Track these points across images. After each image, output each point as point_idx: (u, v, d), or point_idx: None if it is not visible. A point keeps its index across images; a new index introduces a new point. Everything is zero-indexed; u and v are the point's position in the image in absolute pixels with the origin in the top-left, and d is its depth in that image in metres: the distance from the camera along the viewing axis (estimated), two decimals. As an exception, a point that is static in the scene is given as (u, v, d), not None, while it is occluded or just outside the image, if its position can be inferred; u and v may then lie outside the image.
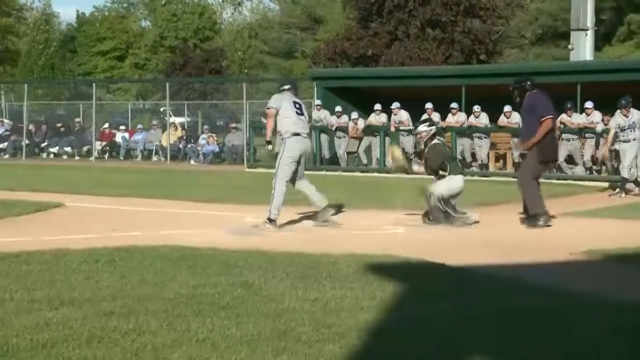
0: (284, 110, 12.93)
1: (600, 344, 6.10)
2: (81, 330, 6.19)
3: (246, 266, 8.79)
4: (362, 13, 42.77)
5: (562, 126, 23.17)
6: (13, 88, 45.47)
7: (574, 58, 34.23)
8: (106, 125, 35.34)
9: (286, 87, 13.48)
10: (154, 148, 33.40)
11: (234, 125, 32.99)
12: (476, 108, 24.71)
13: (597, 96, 22.85)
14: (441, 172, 13.45)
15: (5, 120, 36.95)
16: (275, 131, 13.20)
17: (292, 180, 12.98)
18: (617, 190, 18.99)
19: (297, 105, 13.09)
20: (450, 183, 13.30)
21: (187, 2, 75.76)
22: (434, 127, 14.17)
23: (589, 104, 22.84)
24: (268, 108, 13.25)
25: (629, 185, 19.13)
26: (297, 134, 12.88)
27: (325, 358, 5.66)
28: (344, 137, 26.89)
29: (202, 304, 7.00)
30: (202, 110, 39.97)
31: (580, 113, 23.23)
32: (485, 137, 24.92)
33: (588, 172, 23.21)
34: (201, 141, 32.64)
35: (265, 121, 14.68)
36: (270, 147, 13.86)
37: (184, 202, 16.36)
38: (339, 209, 13.90)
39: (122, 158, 33.34)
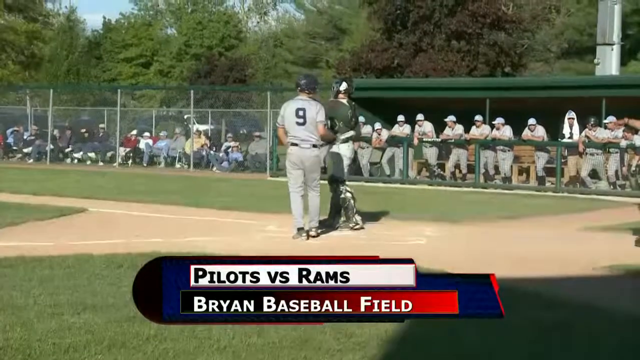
0: (285, 120, 12.68)
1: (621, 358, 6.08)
2: (103, 336, 6.22)
3: (268, 274, 8.79)
4: (387, 24, 42.76)
5: (586, 140, 23.10)
6: (38, 93, 45.69)
7: (599, 72, 34.14)
8: (134, 132, 35.44)
9: (298, 88, 12.96)
10: (178, 155, 33.49)
11: (257, 133, 33.06)
12: (499, 120, 24.64)
13: (623, 111, 22.74)
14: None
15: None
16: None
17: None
18: None
19: (300, 113, 12.52)
20: None
21: (213, 10, 75.97)
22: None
23: (610, 119, 22.74)
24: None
25: None
26: (295, 144, 12.62)
27: (346, 368, 5.67)
28: (367, 147, 26.88)
29: (224, 312, 7.00)
30: (225, 118, 40.03)
31: (605, 128, 23.12)
32: (508, 150, 24.84)
33: (612, 187, 23.08)
34: (225, 148, 32.70)
35: None
36: None
37: (207, 209, 16.40)
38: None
39: (145, 165, 33.42)
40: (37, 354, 5.80)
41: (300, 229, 12.56)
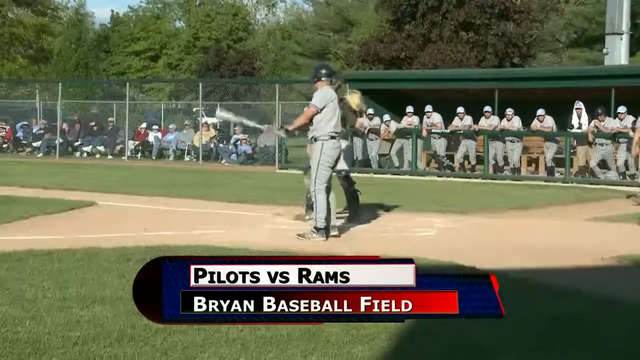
0: (328, 111, 11.69)
1: (632, 348, 6.07)
2: (112, 329, 6.23)
3: (276, 267, 8.78)
4: (396, 15, 42.72)
5: (595, 130, 23.04)
6: (47, 87, 45.75)
7: (608, 62, 34.06)
8: (144, 125, 35.47)
9: (326, 78, 11.88)
10: (186, 148, 33.52)
11: (266, 126, 33.02)
12: (508, 111, 24.59)
13: (632, 101, 22.72)
14: None
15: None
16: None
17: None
18: None
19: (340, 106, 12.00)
20: None
21: (222, 3, 75.95)
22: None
23: (621, 109, 22.68)
24: (310, 106, 11.76)
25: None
26: (334, 137, 11.80)
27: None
28: (376, 139, 26.86)
29: (233, 304, 7.00)
30: (234, 111, 40.01)
31: (614, 118, 23.05)
32: (517, 141, 24.79)
33: (621, 177, 23.02)
34: (233, 140, 32.68)
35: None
36: (283, 133, 13.40)
37: (216, 202, 16.40)
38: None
39: (154, 158, 33.44)
40: (46, 347, 5.81)
41: (325, 229, 11.72)
